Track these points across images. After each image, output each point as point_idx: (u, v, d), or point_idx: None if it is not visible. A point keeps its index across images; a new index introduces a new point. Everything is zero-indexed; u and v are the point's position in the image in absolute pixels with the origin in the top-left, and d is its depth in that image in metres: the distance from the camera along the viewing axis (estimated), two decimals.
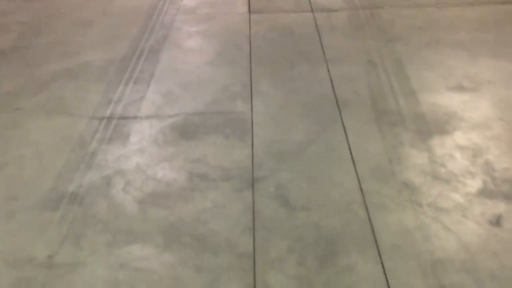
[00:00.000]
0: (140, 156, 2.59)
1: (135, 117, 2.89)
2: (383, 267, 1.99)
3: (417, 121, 2.81)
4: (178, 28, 3.94)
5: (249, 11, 4.22)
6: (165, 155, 2.60)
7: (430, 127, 2.76)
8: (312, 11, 4.20)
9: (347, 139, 2.69)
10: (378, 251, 2.05)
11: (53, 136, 2.74)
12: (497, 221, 2.15)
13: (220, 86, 3.20)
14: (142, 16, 4.12)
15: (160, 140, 2.71)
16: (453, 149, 2.57)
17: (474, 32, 3.76)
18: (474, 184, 2.34)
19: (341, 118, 2.86)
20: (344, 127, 2.78)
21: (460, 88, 3.10)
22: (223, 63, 3.45)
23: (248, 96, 3.09)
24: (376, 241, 2.09)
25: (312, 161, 2.54)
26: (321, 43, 3.68)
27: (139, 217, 2.25)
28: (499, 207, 2.22)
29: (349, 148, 2.62)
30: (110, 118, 2.89)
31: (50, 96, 3.08)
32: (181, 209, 2.28)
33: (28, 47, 3.71)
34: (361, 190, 2.35)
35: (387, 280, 1.93)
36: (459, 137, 2.65)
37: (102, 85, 3.18)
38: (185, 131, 2.78)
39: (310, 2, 4.34)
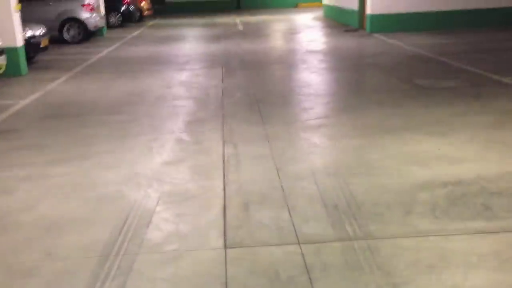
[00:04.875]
0: None
1: None
2: None
3: None
4: (139, 274, 3.23)
5: (225, 245, 3.58)
6: None
7: None
8: (298, 243, 3.59)
9: None
10: None
11: None
12: None
13: None
14: (95, 257, 3.43)
15: None
16: None
17: (493, 276, 3.14)
18: None
19: None
20: None
21: None
22: None
23: None
24: None
25: None
26: None
27: None
28: None
29: None
30: None
31: None
32: None
33: None
34: None
35: None
36: None
37: None
38: None
39: (295, 231, 3.74)
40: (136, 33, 19.13)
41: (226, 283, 3.13)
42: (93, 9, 16.82)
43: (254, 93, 8.22)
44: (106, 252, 3.49)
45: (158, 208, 4.15)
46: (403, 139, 5.65)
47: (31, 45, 11.52)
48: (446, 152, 5.19)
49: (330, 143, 5.78)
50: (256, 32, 17.88)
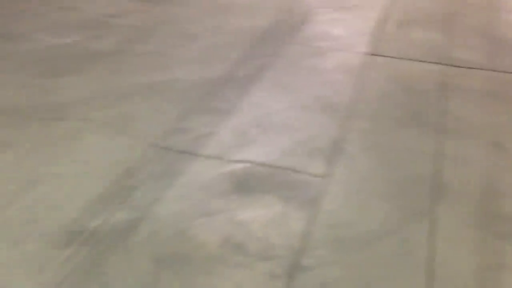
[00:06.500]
0: (180, 204, 2.25)
1: (195, 155, 2.56)
2: None
3: None
4: (283, 58, 3.56)
5: (370, 52, 3.71)
6: (208, 209, 2.23)
7: None
8: (442, 63, 3.59)
9: (433, 242, 2.11)
10: None
11: (102, 159, 2.50)
12: None
13: (305, 136, 2.75)
14: (252, 38, 3.81)
15: (211, 188, 2.35)
16: None
17: None
18: None
19: (434, 212, 2.27)
20: (433, 225, 2.20)
21: None
22: (318, 110, 3.00)
23: (332, 156, 2.61)
24: None
25: (377, 261, 2.01)
26: (442, 108, 3.08)
27: (148, 280, 1.90)
28: None
29: (432, 256, 2.04)
30: (169, 149, 2.58)
31: (119, 112, 2.87)
32: (194, 285, 1.89)
33: (123, 53, 3.56)
34: None
35: None
36: None
37: (177, 109, 2.90)
38: (244, 183, 2.39)
39: (443, 53, 3.71)
40: None
41: (363, 83, 3.32)
42: None
43: None
44: (262, 36, 3.85)
45: (317, 11, 4.33)
46: None
47: None
48: None
49: None
50: None
